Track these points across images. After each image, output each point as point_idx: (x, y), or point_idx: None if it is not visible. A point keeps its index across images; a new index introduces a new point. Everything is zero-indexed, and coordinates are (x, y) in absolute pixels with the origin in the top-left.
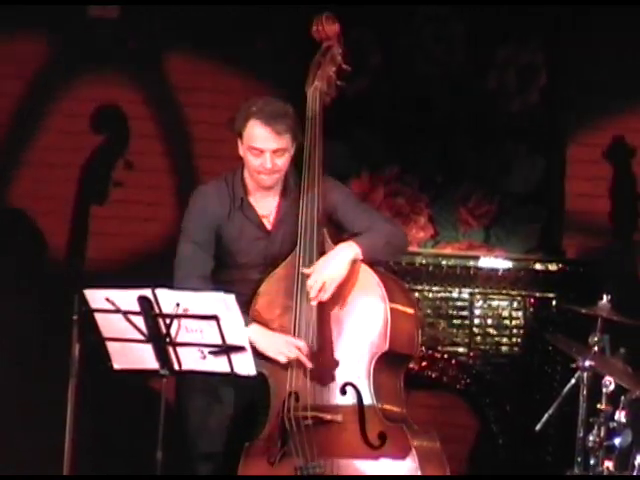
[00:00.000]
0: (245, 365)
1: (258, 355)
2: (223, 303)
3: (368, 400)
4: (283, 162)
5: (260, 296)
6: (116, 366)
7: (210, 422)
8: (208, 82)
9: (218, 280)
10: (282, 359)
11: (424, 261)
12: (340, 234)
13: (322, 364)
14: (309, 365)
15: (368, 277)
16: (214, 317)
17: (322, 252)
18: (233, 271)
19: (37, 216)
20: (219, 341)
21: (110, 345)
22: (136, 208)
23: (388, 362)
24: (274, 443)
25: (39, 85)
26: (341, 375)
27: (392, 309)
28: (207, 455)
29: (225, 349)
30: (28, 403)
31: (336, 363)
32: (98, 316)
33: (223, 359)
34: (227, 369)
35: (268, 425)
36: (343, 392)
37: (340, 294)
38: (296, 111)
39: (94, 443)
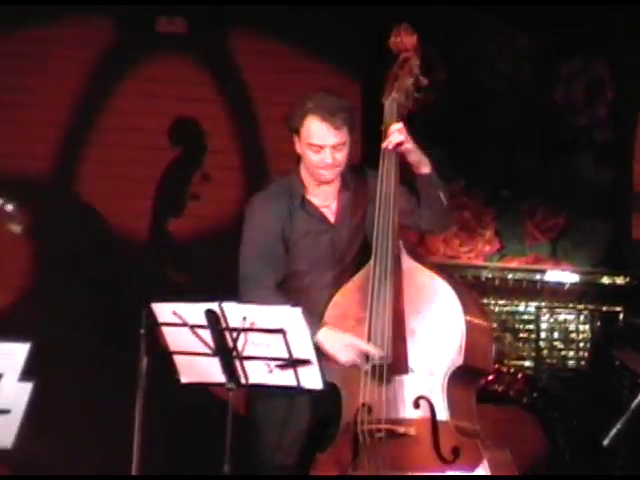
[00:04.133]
0: (311, 379)
1: (331, 365)
2: (290, 316)
3: (442, 414)
4: (342, 155)
5: (333, 307)
6: (183, 380)
7: (285, 437)
8: (286, 96)
9: (286, 289)
10: (344, 361)
11: (490, 275)
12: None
13: (396, 376)
14: (366, 368)
15: (444, 289)
16: (281, 331)
17: (398, 264)
18: (302, 276)
19: (112, 229)
20: (286, 355)
21: (177, 359)
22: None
23: (462, 377)
24: (345, 455)
25: (115, 103)
26: (414, 388)
27: (468, 322)
28: (280, 468)
29: (292, 363)
30: (96, 417)
31: (410, 376)
32: (165, 330)
33: (289, 373)
34: (293, 383)
35: (339, 437)
36: (416, 405)
37: (416, 306)
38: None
39: (162, 457)
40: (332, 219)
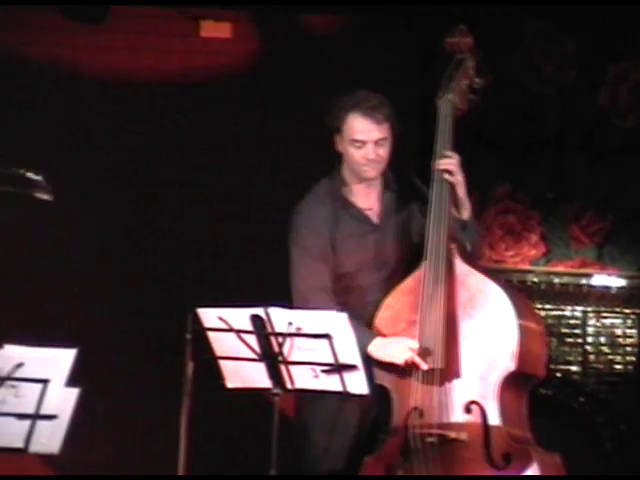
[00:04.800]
0: (357, 384)
1: (382, 368)
2: (335, 321)
3: (494, 420)
4: (385, 151)
5: (384, 309)
6: (229, 385)
7: (335, 441)
8: None
9: (334, 291)
10: (399, 361)
11: (536, 279)
12: None
13: (447, 380)
14: (424, 367)
15: (498, 293)
16: (327, 336)
17: (451, 268)
18: (347, 278)
19: (162, 232)
20: (332, 360)
21: (223, 364)
22: None
23: (514, 382)
24: (395, 459)
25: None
26: (466, 393)
27: (521, 327)
28: (329, 472)
29: (337, 368)
30: (142, 422)
31: (461, 380)
32: (211, 335)
33: (335, 378)
34: (339, 388)
35: (389, 440)
36: (468, 410)
37: (468, 310)
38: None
39: (207, 461)
40: (376, 220)
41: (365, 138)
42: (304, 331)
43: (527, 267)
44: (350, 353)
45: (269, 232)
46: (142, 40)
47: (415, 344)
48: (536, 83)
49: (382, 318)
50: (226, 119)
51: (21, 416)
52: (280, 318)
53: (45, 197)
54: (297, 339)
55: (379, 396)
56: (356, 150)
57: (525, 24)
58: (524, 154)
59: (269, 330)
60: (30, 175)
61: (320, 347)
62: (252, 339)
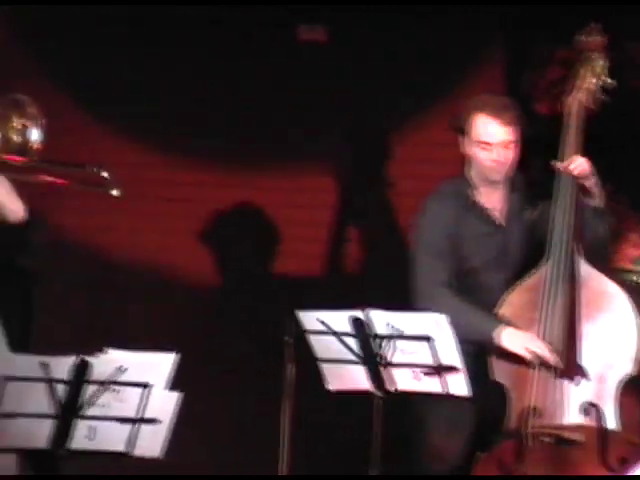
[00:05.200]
0: (459, 385)
1: (500, 365)
2: (436, 323)
3: (611, 423)
4: (512, 154)
5: (505, 306)
6: (330, 387)
7: (452, 444)
8: None
9: (458, 288)
10: (526, 355)
11: (635, 278)
12: None
13: (565, 380)
14: (552, 361)
15: (621, 297)
16: (427, 338)
17: (574, 268)
18: (470, 277)
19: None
20: (432, 362)
21: (324, 366)
22: None
23: (634, 386)
24: (508, 457)
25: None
26: (584, 394)
27: None
28: (443, 472)
29: (438, 369)
30: (243, 424)
31: (580, 381)
32: (311, 337)
33: (436, 379)
34: (440, 390)
35: (504, 438)
36: (585, 411)
37: (590, 311)
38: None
39: (309, 463)
40: (501, 221)
41: (492, 140)
42: (404, 333)
43: (628, 266)
44: (451, 355)
45: (368, 234)
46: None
47: (542, 345)
48: (634, 80)
49: (502, 315)
50: (319, 122)
51: (123, 420)
52: (380, 320)
53: (115, 193)
54: (397, 341)
55: (495, 395)
56: (482, 152)
57: (625, 24)
58: (624, 154)
59: (369, 332)
60: (101, 172)
61: (421, 349)
62: (352, 341)
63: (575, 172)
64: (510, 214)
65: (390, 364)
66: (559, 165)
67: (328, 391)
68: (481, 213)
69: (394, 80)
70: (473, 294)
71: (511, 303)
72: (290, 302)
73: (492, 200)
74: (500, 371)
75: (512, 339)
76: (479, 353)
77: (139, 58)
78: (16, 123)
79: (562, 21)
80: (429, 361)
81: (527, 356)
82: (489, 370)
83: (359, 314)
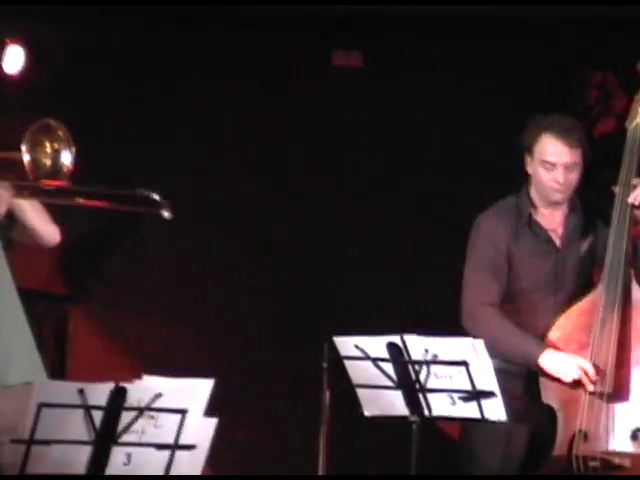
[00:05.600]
0: (495, 410)
1: (550, 387)
2: (472, 349)
3: None
4: (575, 176)
5: (557, 329)
6: (366, 413)
7: (505, 468)
8: None
9: (505, 310)
10: (567, 379)
11: None
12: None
13: (615, 405)
14: (590, 388)
15: None
16: (463, 363)
17: (628, 293)
18: (524, 297)
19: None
20: (469, 387)
21: (360, 392)
22: None
23: None
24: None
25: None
26: (634, 420)
27: None
28: None
29: (475, 395)
30: (280, 450)
31: (630, 406)
32: (347, 363)
33: (473, 405)
34: (477, 415)
35: (552, 460)
36: (634, 437)
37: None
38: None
39: None
40: (558, 243)
41: (556, 160)
42: (441, 358)
43: None
44: (487, 379)
45: (402, 262)
46: (272, 69)
47: (587, 364)
48: None
49: (553, 337)
50: (354, 147)
51: (160, 446)
52: (416, 345)
53: (167, 216)
54: (434, 366)
55: (545, 418)
56: (545, 172)
57: None
58: None
59: (406, 358)
60: (153, 195)
61: (457, 374)
62: (389, 367)
63: (636, 202)
64: (568, 236)
65: (426, 389)
66: (619, 192)
67: (364, 417)
68: (539, 233)
69: (429, 105)
70: (523, 315)
71: (563, 326)
72: (327, 328)
73: (551, 221)
74: (550, 394)
75: (554, 362)
76: (530, 375)
77: (186, 85)
78: (48, 147)
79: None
80: (465, 386)
81: (569, 380)
82: (540, 392)
83: (395, 339)
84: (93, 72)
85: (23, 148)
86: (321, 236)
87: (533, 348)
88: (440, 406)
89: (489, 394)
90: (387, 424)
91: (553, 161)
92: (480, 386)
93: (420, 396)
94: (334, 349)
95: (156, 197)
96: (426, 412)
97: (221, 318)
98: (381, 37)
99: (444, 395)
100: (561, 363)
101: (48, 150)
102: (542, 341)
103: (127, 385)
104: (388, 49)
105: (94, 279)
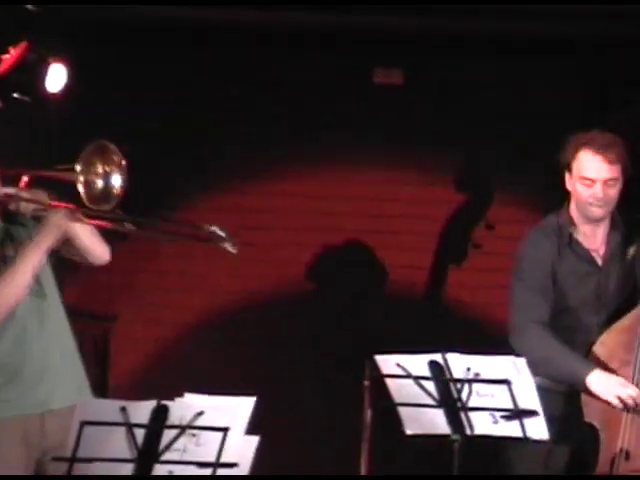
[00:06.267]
0: (538, 429)
1: (592, 405)
2: (514, 367)
3: None
4: (614, 192)
5: (599, 346)
6: (408, 431)
7: None
8: None
9: (553, 326)
10: (614, 401)
11: None
12: None
13: None
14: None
15: None
16: (505, 381)
17: None
18: (566, 316)
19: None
20: (511, 405)
21: (402, 410)
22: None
23: None
24: None
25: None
26: None
27: None
28: None
29: (517, 413)
30: (321, 469)
31: None
32: (389, 381)
33: (515, 423)
34: (519, 434)
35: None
36: None
37: None
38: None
39: None
40: (600, 262)
41: (595, 176)
42: (482, 376)
43: None
44: (530, 398)
45: (441, 279)
46: (314, 88)
47: (634, 391)
48: None
49: (596, 355)
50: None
51: (202, 465)
52: (458, 364)
53: (231, 249)
54: (476, 385)
55: (587, 436)
56: (584, 188)
57: None
58: None
59: (447, 376)
60: (218, 231)
61: (499, 392)
62: (430, 385)
63: None
64: (610, 254)
65: (468, 408)
66: None
67: (406, 435)
68: (581, 252)
69: (471, 123)
70: (568, 333)
71: (606, 344)
72: (368, 346)
73: (592, 239)
74: (592, 412)
75: (602, 384)
76: (572, 393)
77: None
78: (100, 169)
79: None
80: (508, 404)
81: (615, 403)
82: (582, 410)
83: (437, 357)
84: (136, 91)
85: (77, 168)
86: (362, 257)
87: (581, 368)
88: (482, 424)
89: (531, 413)
90: (429, 442)
91: (592, 177)
92: (522, 405)
93: (462, 414)
94: (375, 367)
95: (222, 234)
96: (468, 431)
97: (262, 336)
98: (422, 55)
99: (486, 413)
100: (609, 385)
101: (100, 171)
102: (590, 362)
103: (169, 403)
104: (429, 67)
105: (135, 297)
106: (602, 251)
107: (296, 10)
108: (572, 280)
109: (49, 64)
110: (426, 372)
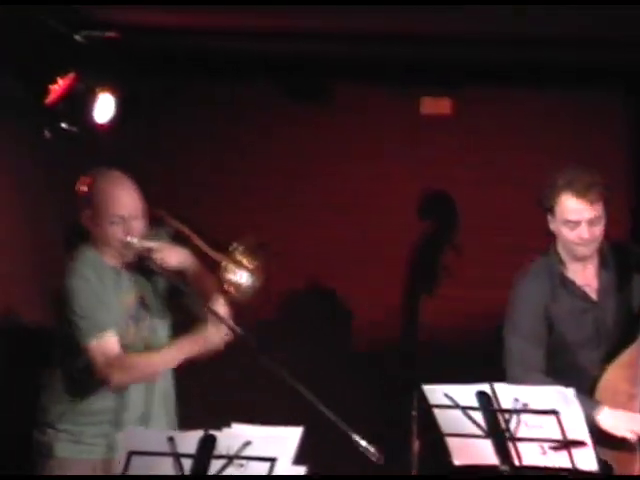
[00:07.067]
0: (587, 460)
1: (604, 443)
2: (562, 397)
3: None
4: (600, 229)
5: (603, 382)
6: (456, 462)
7: None
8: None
9: (552, 367)
10: (630, 436)
11: None
12: None
13: None
14: None
15: None
16: (553, 412)
17: None
18: (567, 355)
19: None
20: (559, 436)
21: (450, 440)
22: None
23: None
24: None
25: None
26: None
27: None
28: None
29: (566, 444)
30: None
31: None
32: (437, 412)
33: (564, 454)
34: (568, 464)
35: None
36: None
37: None
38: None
39: None
40: (594, 297)
41: (578, 218)
42: (531, 407)
43: None
44: (578, 429)
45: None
46: (362, 118)
47: None
48: None
49: (601, 392)
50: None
51: None
52: (506, 394)
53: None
54: (524, 415)
55: (601, 474)
56: (570, 230)
57: None
58: None
59: (495, 406)
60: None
61: (547, 423)
62: (478, 415)
63: None
64: (603, 290)
65: (516, 438)
66: None
67: (455, 466)
68: (575, 290)
69: (521, 154)
70: (570, 371)
71: (610, 380)
72: (416, 376)
73: (584, 276)
74: (604, 450)
75: (613, 421)
76: None
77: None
78: (246, 262)
79: None
80: (556, 435)
81: (631, 438)
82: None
83: (485, 388)
84: (184, 122)
85: (236, 255)
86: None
87: (589, 408)
88: (530, 455)
89: (580, 443)
90: (477, 473)
91: (576, 219)
92: (571, 435)
93: (510, 445)
94: (423, 397)
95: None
96: (516, 461)
97: (309, 367)
98: (471, 84)
99: (534, 444)
100: (620, 421)
101: (246, 264)
102: (596, 400)
103: (216, 433)
104: (479, 96)
105: (181, 327)
106: (595, 286)
107: (345, 41)
108: (569, 319)
109: (97, 95)
110: (474, 402)
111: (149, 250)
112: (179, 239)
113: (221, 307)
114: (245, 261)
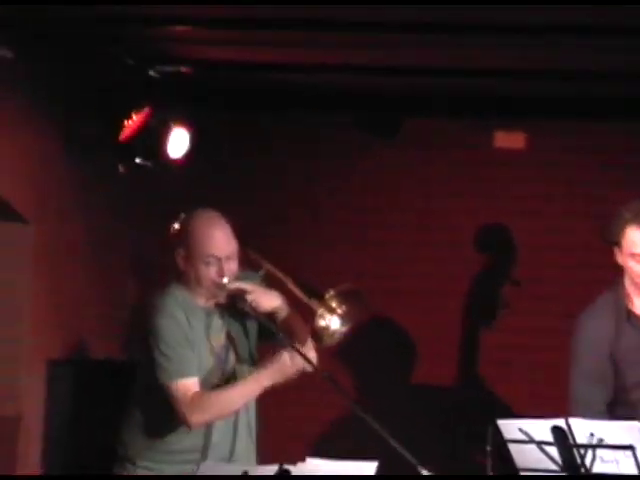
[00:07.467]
0: None
1: None
2: (639, 432)
3: None
4: None
5: None
6: None
7: None
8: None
9: (616, 405)
10: None
11: None
12: None
13: None
14: None
15: None
16: (630, 447)
17: None
18: (630, 393)
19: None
20: (636, 472)
21: (525, 476)
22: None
23: None
24: None
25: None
26: None
27: None
28: None
29: None
30: None
31: None
32: (512, 446)
33: None
34: None
35: None
36: None
37: None
38: None
39: None
40: None
41: None
42: (606, 442)
43: None
44: None
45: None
46: (435, 153)
47: None
48: None
49: None
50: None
51: None
52: (582, 429)
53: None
54: (599, 450)
55: None
56: (636, 264)
57: None
58: None
59: (571, 441)
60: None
61: (623, 458)
62: (553, 451)
63: None
64: None
65: (592, 474)
66: None
67: None
68: (638, 325)
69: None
70: (633, 408)
71: None
72: (490, 411)
73: None
74: None
75: None
76: None
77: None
78: (338, 309)
79: None
80: (632, 471)
81: None
82: None
83: (560, 423)
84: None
85: (331, 303)
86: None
87: None
88: None
89: None
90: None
91: None
92: None
93: None
94: (498, 432)
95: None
96: None
97: (381, 401)
98: (545, 116)
99: None
100: None
101: (339, 311)
102: None
103: (291, 467)
104: (553, 129)
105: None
106: None
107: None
108: (634, 356)
109: (171, 129)
110: (549, 437)
111: (242, 291)
112: (270, 279)
113: (310, 351)
114: (337, 306)
